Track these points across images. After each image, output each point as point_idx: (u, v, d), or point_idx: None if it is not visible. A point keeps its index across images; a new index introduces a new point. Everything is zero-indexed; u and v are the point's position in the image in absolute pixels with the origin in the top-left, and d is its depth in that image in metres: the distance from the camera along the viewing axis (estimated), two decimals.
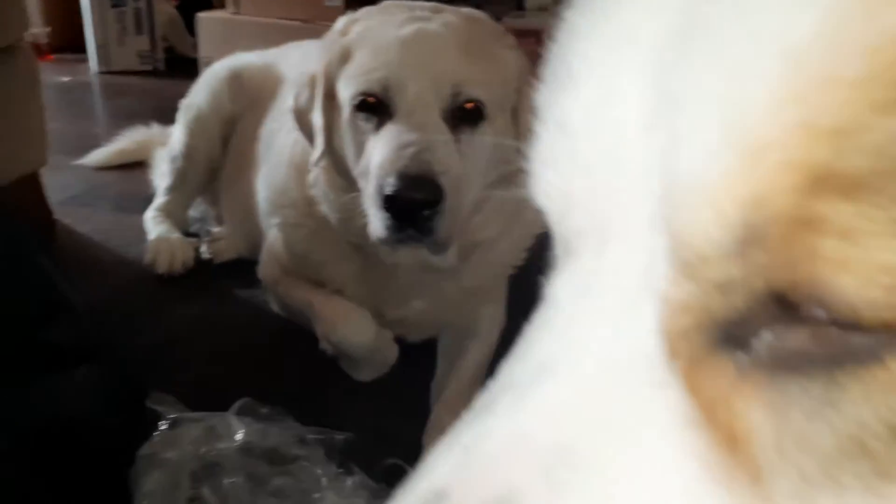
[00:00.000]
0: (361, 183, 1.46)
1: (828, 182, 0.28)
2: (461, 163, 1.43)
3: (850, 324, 0.30)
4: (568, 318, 0.37)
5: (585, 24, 0.39)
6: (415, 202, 1.36)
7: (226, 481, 1.08)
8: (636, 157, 0.34)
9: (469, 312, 1.74)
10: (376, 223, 1.42)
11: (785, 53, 0.28)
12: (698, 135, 0.31)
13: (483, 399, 0.37)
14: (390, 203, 1.36)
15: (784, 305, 0.31)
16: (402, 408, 1.66)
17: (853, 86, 0.27)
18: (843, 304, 0.29)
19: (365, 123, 1.46)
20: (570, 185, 0.38)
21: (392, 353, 1.71)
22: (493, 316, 1.76)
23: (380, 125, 1.44)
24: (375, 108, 1.44)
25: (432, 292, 1.69)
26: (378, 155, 1.40)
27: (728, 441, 0.32)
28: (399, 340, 1.75)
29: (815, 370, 0.31)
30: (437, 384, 1.69)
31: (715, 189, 0.30)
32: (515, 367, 0.37)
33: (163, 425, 1.18)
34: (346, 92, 1.48)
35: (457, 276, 1.66)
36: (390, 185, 1.35)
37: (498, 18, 3.35)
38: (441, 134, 1.40)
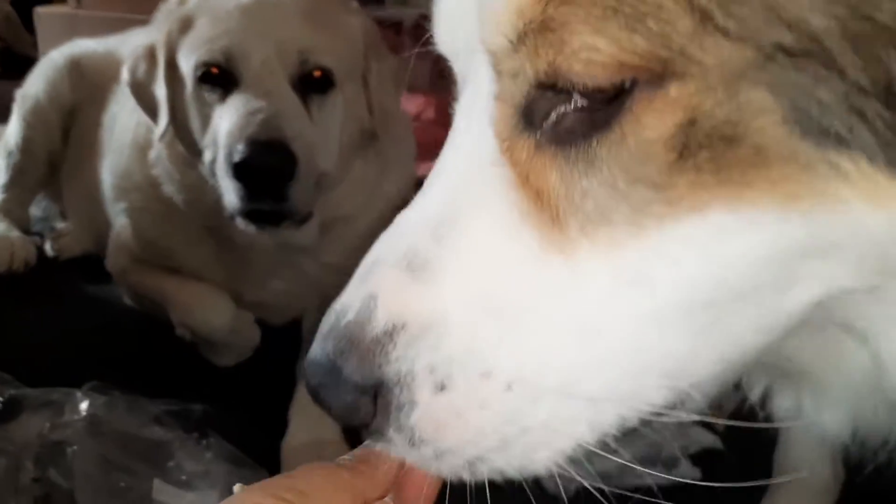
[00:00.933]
0: (208, 155, 1.42)
1: None
2: (313, 129, 1.41)
3: (589, 99, 0.45)
4: (457, 133, 0.52)
5: None
6: (267, 168, 1.32)
7: (71, 457, 1.01)
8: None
9: (330, 290, 1.71)
10: (230, 195, 1.37)
11: None
12: None
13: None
14: (242, 171, 1.32)
15: (553, 90, 0.45)
16: (265, 388, 1.62)
17: None
18: (566, 80, 0.44)
19: (210, 94, 1.41)
20: (453, 37, 0.54)
21: (253, 336, 1.67)
22: None
23: (225, 95, 1.39)
24: (220, 78, 1.40)
25: (292, 272, 1.66)
26: (226, 123, 1.35)
27: (536, 197, 0.48)
28: (262, 324, 1.71)
29: (582, 141, 0.45)
30: (301, 364, 1.66)
31: (497, 6, 0.45)
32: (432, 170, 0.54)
33: None
34: (188, 63, 1.43)
35: (316, 253, 1.63)
36: (240, 152, 1.30)
37: None
38: (290, 100, 1.38)
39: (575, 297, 0.48)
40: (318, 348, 0.53)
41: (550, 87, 0.46)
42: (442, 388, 0.50)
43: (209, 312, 1.61)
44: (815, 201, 0.44)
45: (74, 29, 3.57)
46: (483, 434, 0.50)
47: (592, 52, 0.42)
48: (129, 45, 2.05)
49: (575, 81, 0.44)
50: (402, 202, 1.76)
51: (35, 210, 2.27)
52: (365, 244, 1.78)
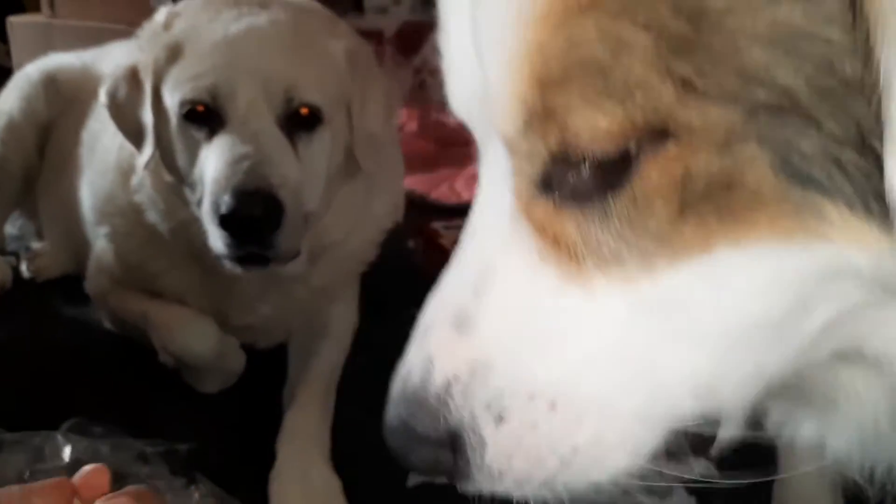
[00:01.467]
0: (196, 195, 1.39)
1: (548, 83, 0.48)
2: (300, 171, 1.39)
3: (600, 163, 0.49)
4: (482, 194, 0.59)
5: None
6: (254, 219, 1.31)
7: None
8: (477, 81, 0.53)
9: (319, 313, 1.69)
10: (216, 241, 1.36)
11: (520, 15, 0.48)
12: (490, 60, 0.51)
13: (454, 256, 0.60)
14: (228, 222, 1.31)
15: (566, 159, 0.50)
16: (252, 417, 1.58)
17: (542, 23, 0.47)
18: (576, 151, 0.49)
19: (196, 132, 1.39)
20: (462, 108, 0.58)
21: (238, 362, 1.63)
22: (344, 315, 1.72)
23: (212, 133, 1.37)
24: (205, 117, 1.37)
25: (279, 296, 1.62)
26: (212, 169, 1.34)
27: (555, 241, 0.53)
28: (247, 348, 1.67)
29: (596, 198, 0.51)
30: (288, 390, 1.62)
31: (502, 97, 0.50)
32: (466, 228, 0.60)
33: None
34: (174, 98, 1.39)
35: (305, 277, 1.61)
36: (226, 204, 1.30)
37: None
38: (277, 143, 1.36)
39: (595, 324, 0.53)
40: (392, 414, 0.59)
41: (563, 158, 0.51)
42: (500, 419, 0.56)
43: (193, 338, 1.57)
44: (809, 237, 0.49)
45: (48, 38, 3.50)
46: (542, 457, 0.56)
47: (594, 129, 0.48)
48: (107, 59, 2.01)
49: (583, 152, 0.49)
50: (392, 223, 1.75)
51: (10, 228, 2.21)
52: (354, 266, 1.77)
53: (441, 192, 2.76)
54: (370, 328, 1.77)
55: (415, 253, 2.22)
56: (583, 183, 0.51)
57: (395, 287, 1.93)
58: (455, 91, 0.59)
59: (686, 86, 0.46)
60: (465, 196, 2.76)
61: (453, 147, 3.35)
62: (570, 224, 0.52)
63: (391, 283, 1.84)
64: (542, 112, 0.49)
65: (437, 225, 2.20)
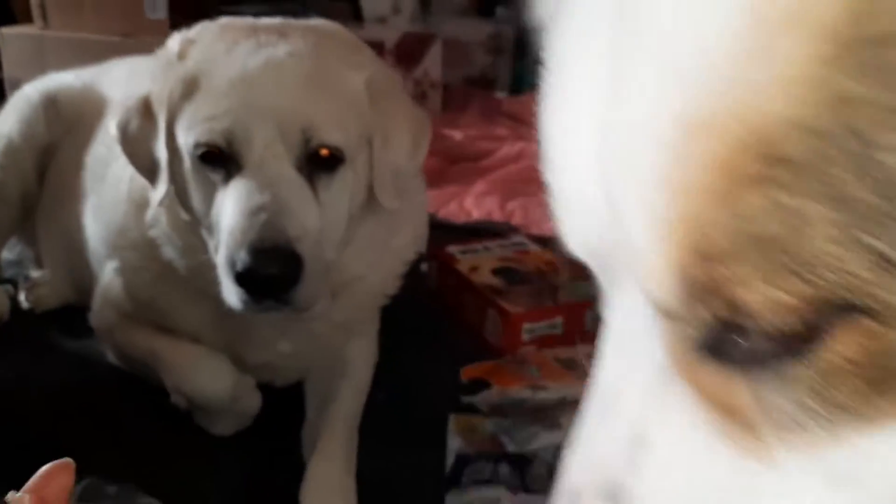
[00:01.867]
0: (213, 241, 1.32)
1: (711, 256, 0.43)
2: (320, 216, 1.32)
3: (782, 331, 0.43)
4: (616, 342, 0.53)
5: (550, 84, 0.49)
6: (271, 277, 1.25)
7: None
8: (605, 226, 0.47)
9: (339, 349, 1.61)
10: (230, 296, 1.30)
11: (671, 183, 0.42)
12: (632, 219, 0.45)
13: (587, 409, 0.54)
14: (244, 280, 1.25)
15: (734, 326, 0.45)
16: (271, 463, 1.50)
17: (702, 195, 0.41)
18: (749, 321, 0.44)
19: (212, 175, 1.31)
20: (581, 250, 0.53)
21: (254, 402, 1.55)
22: (364, 352, 1.64)
23: (228, 176, 1.30)
24: (221, 159, 1.30)
25: (298, 333, 1.54)
26: (228, 218, 1.27)
27: (729, 413, 0.48)
28: (263, 386, 1.59)
29: (772, 362, 0.45)
30: (307, 432, 1.54)
31: (652, 263, 0.45)
32: (598, 379, 0.54)
33: None
34: (188, 139, 1.31)
35: (325, 313, 1.53)
36: (242, 262, 1.23)
37: None
38: (295, 190, 1.29)
39: (782, 501, 0.49)
40: None
41: (730, 325, 0.45)
42: None
43: (207, 378, 1.49)
44: None
45: (41, 50, 3.41)
46: None
47: (773, 305, 0.42)
48: (107, 78, 1.93)
49: (758, 322, 0.43)
50: (415, 254, 1.67)
51: (7, 254, 2.12)
52: (376, 300, 1.69)
53: (450, 211, 2.68)
54: (385, 358, 1.70)
55: (428, 277, 2.14)
56: (755, 348, 0.45)
57: (409, 313, 1.87)
58: (572, 231, 0.53)
59: (884, 263, 0.41)
60: (474, 214, 2.68)
61: (460, 162, 3.29)
62: (741, 390, 0.47)
63: (405, 309, 1.77)
64: (704, 283, 0.43)
65: (453, 249, 2.12)
